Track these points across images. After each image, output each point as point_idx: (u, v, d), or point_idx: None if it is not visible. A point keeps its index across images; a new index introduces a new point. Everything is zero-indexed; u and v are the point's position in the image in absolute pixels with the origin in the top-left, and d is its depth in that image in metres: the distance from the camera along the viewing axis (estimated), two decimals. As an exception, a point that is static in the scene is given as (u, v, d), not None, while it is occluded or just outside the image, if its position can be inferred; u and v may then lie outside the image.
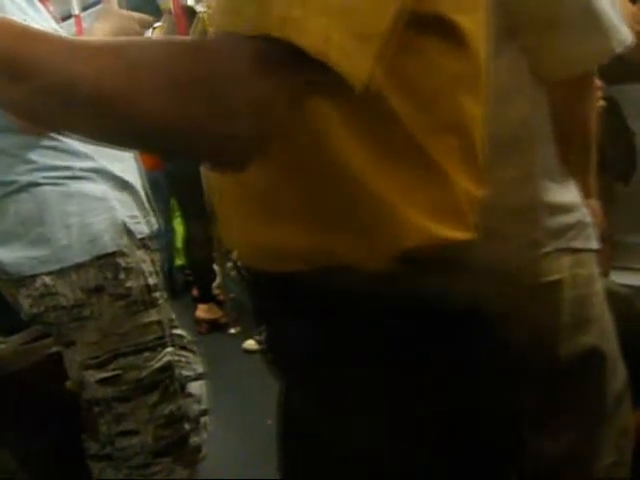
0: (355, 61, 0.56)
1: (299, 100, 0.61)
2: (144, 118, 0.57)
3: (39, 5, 1.32)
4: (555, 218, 1.10)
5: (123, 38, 1.08)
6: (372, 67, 0.57)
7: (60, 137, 1.22)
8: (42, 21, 1.28)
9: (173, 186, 3.94)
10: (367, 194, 0.66)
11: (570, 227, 1.11)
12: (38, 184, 1.25)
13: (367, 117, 0.64)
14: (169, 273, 4.33)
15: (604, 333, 1.14)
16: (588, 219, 1.12)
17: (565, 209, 1.10)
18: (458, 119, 0.70)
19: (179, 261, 4.49)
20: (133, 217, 1.33)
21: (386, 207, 0.67)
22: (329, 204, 0.68)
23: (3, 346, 1.68)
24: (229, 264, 3.71)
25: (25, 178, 1.26)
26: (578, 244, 1.11)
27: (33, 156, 1.26)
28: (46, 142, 1.26)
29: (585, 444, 1.14)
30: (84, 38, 1.06)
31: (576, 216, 1.11)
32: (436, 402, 0.71)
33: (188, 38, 0.71)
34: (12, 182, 1.27)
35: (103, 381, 1.29)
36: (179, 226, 4.36)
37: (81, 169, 1.28)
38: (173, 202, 4.34)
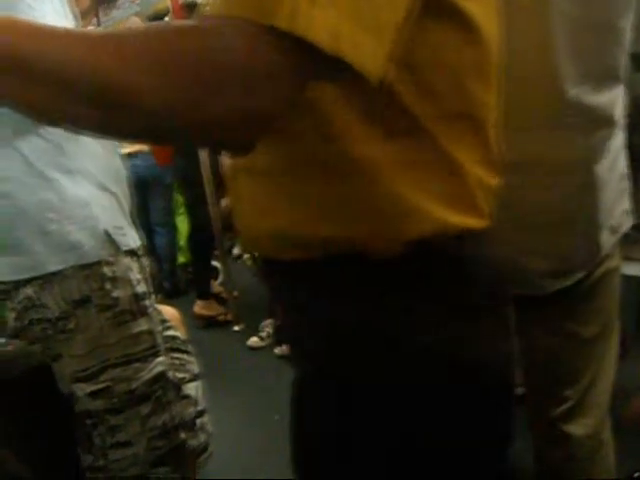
0: (369, 55, 0.53)
1: (305, 90, 0.58)
2: (145, 99, 0.54)
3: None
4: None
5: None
6: (387, 60, 0.55)
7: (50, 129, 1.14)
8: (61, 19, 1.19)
9: (182, 181, 3.91)
10: (379, 183, 0.66)
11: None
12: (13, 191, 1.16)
13: (376, 106, 0.63)
14: (172, 271, 4.31)
15: None
16: None
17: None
18: (468, 106, 0.68)
19: (182, 259, 4.47)
20: (118, 228, 1.26)
21: (399, 195, 0.66)
22: (343, 193, 0.68)
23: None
24: (245, 255, 3.68)
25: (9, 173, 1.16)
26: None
27: (23, 146, 1.16)
28: (40, 130, 1.16)
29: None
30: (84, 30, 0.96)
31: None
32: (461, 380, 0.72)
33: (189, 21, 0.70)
34: None
35: (93, 394, 1.25)
36: (182, 224, 4.33)
37: (67, 167, 1.20)
38: (176, 199, 4.31)
